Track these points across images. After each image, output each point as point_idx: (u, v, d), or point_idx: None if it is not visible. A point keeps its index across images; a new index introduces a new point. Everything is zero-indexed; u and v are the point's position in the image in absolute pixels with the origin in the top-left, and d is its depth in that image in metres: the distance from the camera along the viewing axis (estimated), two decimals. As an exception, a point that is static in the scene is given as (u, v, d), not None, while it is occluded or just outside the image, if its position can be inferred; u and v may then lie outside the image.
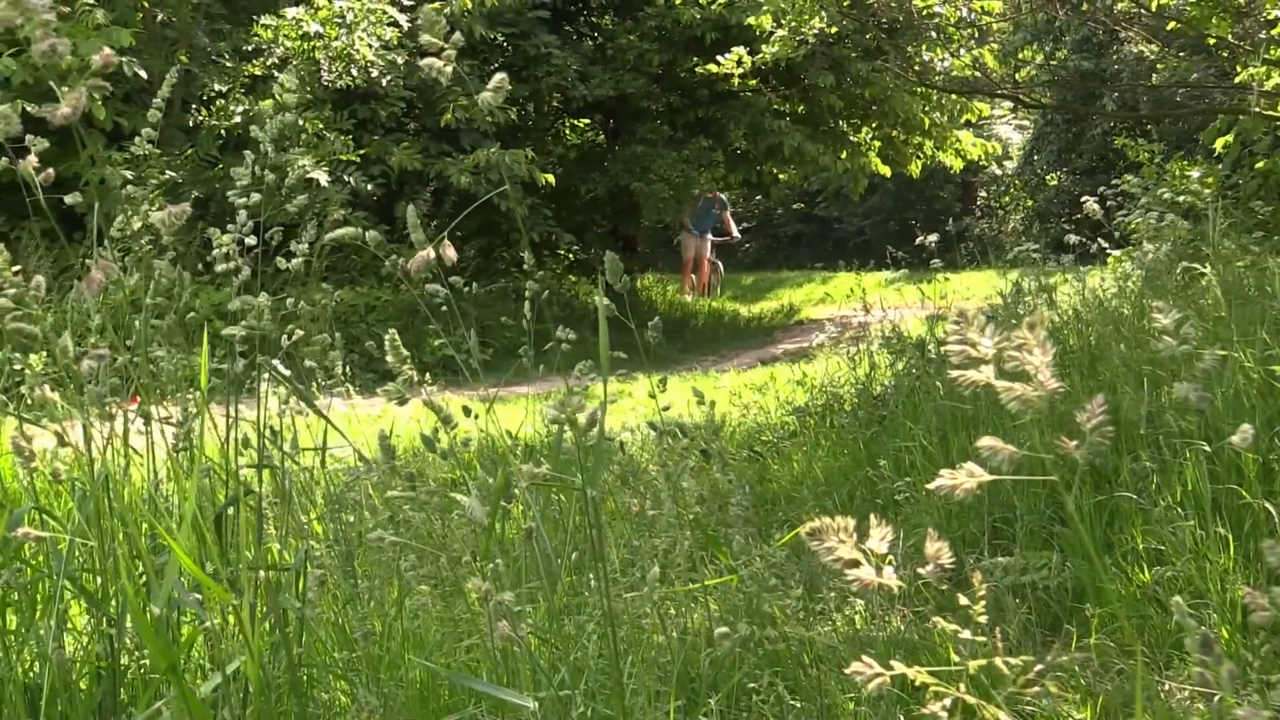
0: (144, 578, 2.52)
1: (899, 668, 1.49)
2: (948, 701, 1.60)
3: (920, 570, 1.53)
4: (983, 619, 1.67)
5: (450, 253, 1.98)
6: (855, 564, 1.45)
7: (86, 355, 2.22)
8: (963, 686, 1.60)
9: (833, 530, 1.44)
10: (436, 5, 16.26)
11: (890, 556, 1.47)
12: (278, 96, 2.74)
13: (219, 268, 2.62)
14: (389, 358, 2.27)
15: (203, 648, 2.57)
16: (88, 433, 2.49)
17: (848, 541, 1.44)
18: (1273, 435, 3.54)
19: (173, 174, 13.59)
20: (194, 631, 2.64)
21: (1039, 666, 1.69)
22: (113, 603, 2.53)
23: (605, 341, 2.15)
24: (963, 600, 1.72)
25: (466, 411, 2.67)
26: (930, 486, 1.38)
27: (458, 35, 1.88)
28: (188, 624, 2.70)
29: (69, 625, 2.83)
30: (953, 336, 1.35)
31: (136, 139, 3.04)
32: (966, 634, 1.69)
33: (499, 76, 1.92)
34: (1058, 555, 3.51)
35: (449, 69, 1.86)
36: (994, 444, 1.34)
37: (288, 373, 2.97)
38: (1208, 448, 3.35)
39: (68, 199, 2.52)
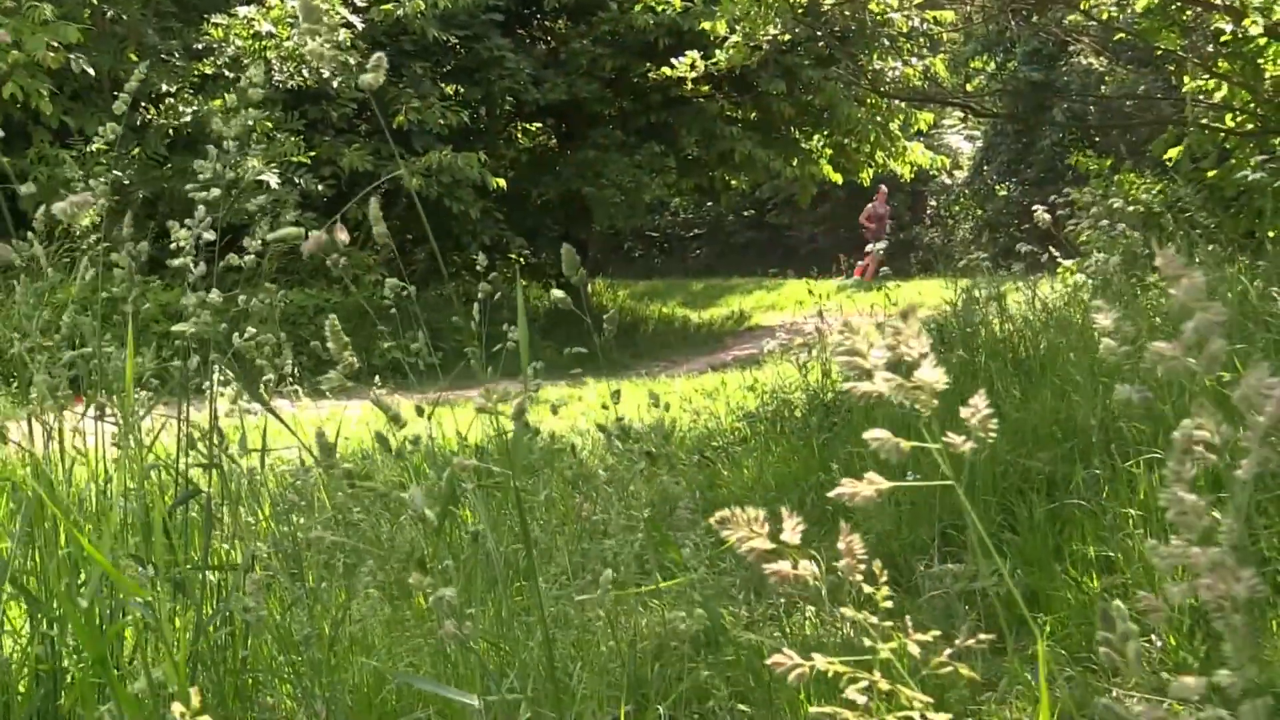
0: (83, 577, 2.47)
1: (819, 660, 1.48)
2: (863, 684, 1.60)
3: (836, 565, 1.52)
4: (888, 605, 1.65)
5: (343, 235, 1.97)
6: (774, 557, 1.43)
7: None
8: (877, 673, 1.60)
9: (742, 521, 1.42)
10: (389, 7, 16.19)
11: (816, 553, 1.46)
12: (240, 91, 2.71)
13: (172, 264, 2.58)
14: (329, 344, 2.21)
15: (143, 649, 2.53)
16: (30, 429, 2.45)
17: (760, 534, 1.42)
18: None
19: (119, 174, 13.45)
20: (126, 628, 2.59)
21: (948, 651, 1.69)
22: (54, 605, 2.48)
23: (524, 329, 2.15)
24: (873, 592, 1.70)
25: (420, 411, 2.63)
26: (830, 495, 1.33)
27: (338, 17, 1.89)
28: (130, 625, 2.65)
29: (8, 627, 2.77)
30: (840, 349, 1.29)
31: (99, 133, 2.99)
32: (875, 620, 1.68)
33: (377, 55, 1.95)
34: (1009, 562, 3.51)
35: (335, 55, 1.89)
36: (882, 435, 1.27)
37: (234, 372, 2.93)
38: (1160, 454, 3.36)
39: (22, 190, 2.47)
